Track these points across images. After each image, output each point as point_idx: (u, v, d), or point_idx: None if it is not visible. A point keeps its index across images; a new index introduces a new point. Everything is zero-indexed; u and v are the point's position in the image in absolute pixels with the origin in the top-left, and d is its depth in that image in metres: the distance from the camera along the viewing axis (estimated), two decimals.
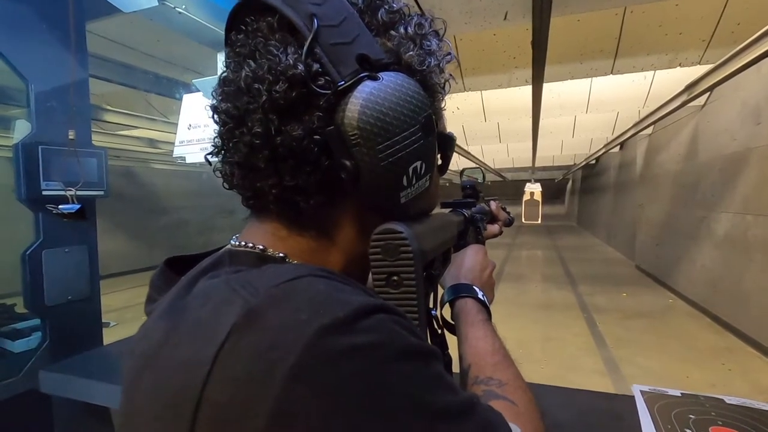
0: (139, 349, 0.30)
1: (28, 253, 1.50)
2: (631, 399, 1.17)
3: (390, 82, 0.33)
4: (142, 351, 0.29)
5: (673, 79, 4.12)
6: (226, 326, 0.25)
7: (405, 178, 0.35)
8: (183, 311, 0.28)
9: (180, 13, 1.38)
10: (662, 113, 4.59)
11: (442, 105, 0.42)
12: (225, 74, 0.35)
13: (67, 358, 1.48)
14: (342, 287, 0.29)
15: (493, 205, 0.80)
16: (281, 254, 0.35)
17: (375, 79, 0.32)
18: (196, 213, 8.50)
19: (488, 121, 6.03)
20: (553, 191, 19.74)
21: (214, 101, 0.35)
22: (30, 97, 1.55)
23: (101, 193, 1.69)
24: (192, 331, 0.27)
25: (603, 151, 8.72)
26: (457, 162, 11.29)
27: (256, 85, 0.32)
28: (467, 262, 0.55)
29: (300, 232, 0.36)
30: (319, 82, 0.32)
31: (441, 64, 0.38)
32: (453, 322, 0.50)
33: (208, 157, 0.36)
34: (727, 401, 1.16)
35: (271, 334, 0.24)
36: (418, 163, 0.35)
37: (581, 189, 17.08)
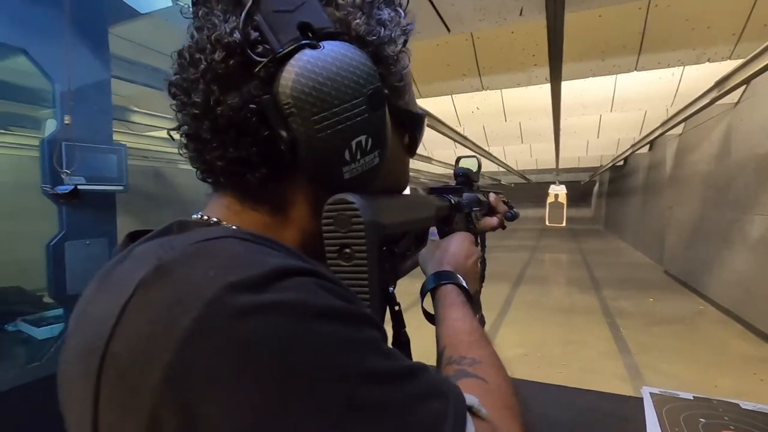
0: (75, 312, 0.31)
1: (51, 244, 1.58)
2: (640, 401, 1.14)
3: (331, 51, 0.32)
4: (75, 313, 0.30)
5: (703, 75, 3.96)
6: (135, 281, 0.25)
7: (347, 152, 0.33)
8: (111, 272, 0.29)
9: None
10: (691, 111, 4.41)
11: (405, 80, 0.39)
12: (180, 48, 0.35)
13: None
14: (266, 250, 0.28)
15: (492, 196, 0.78)
16: (233, 226, 0.34)
17: (314, 47, 0.31)
18: None
19: (509, 121, 5.94)
20: (579, 194, 19.24)
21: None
22: (55, 97, 1.63)
23: (121, 188, 1.76)
24: (109, 288, 0.27)
25: (630, 151, 8.44)
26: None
27: (198, 55, 0.32)
28: (452, 249, 0.54)
29: (254, 207, 0.36)
30: (258, 50, 0.31)
31: (393, 35, 0.36)
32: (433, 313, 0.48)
33: (172, 133, 0.36)
34: (743, 406, 1.11)
35: (176, 289, 0.24)
36: (362, 138, 0.34)
37: (608, 191, 16.57)
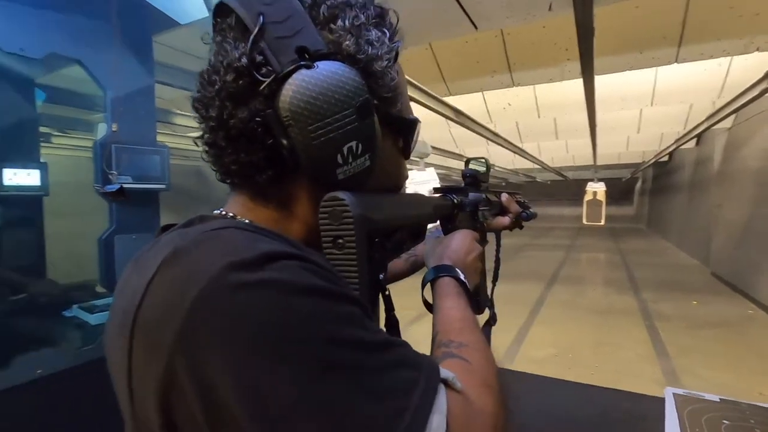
0: (116, 289, 0.37)
1: (102, 238, 1.73)
2: (662, 401, 1.13)
3: (324, 69, 0.36)
4: (116, 290, 0.37)
5: (752, 65, 3.72)
6: (158, 262, 0.31)
7: (340, 156, 0.38)
8: (142, 256, 0.35)
9: None
10: (740, 103, 4.15)
11: (395, 91, 0.43)
12: (201, 70, 0.40)
13: None
14: (261, 239, 0.33)
15: (504, 197, 0.80)
16: (247, 221, 0.40)
17: (309, 67, 0.36)
18: None
19: (543, 117, 5.80)
20: (619, 191, 18.44)
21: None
22: (107, 103, 1.78)
23: (163, 186, 1.89)
24: (139, 269, 0.33)
25: (674, 146, 8.02)
26: (513, 160, 10.93)
27: (214, 77, 0.38)
28: (453, 245, 0.57)
29: (264, 204, 0.41)
30: (262, 72, 0.36)
31: (380, 53, 0.40)
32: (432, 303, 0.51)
33: (197, 140, 0.42)
34: None
35: (188, 268, 0.30)
36: (353, 143, 0.38)
37: (652, 189, 15.80)
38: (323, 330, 0.28)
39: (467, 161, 0.74)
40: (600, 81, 3.64)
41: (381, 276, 0.40)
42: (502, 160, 11.18)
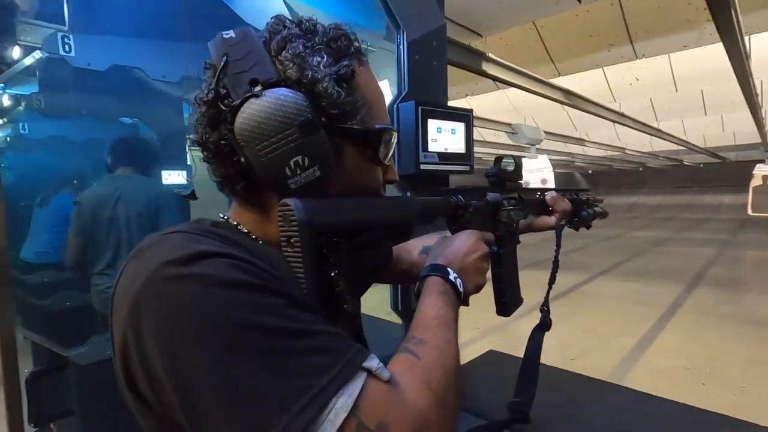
0: None
1: None
2: None
3: (269, 97, 0.42)
4: None
5: None
6: (129, 257, 0.41)
7: (287, 169, 0.43)
8: None
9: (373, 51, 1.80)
10: None
11: (343, 108, 0.46)
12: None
13: None
14: (202, 240, 0.40)
15: (549, 196, 0.78)
16: (235, 222, 0.48)
17: (258, 96, 0.42)
18: None
19: (683, 90, 4.97)
20: None
21: None
22: None
23: None
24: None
25: None
26: (650, 142, 9.51)
27: (197, 108, 0.46)
28: (453, 245, 0.58)
29: (248, 209, 0.48)
30: (225, 102, 0.43)
31: (320, 75, 0.44)
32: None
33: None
34: None
35: (139, 263, 0.38)
36: (299, 158, 0.43)
37: None
38: (236, 315, 0.34)
39: (496, 160, 0.72)
40: (758, 40, 2.98)
41: (334, 272, 0.44)
42: (636, 142, 9.84)
